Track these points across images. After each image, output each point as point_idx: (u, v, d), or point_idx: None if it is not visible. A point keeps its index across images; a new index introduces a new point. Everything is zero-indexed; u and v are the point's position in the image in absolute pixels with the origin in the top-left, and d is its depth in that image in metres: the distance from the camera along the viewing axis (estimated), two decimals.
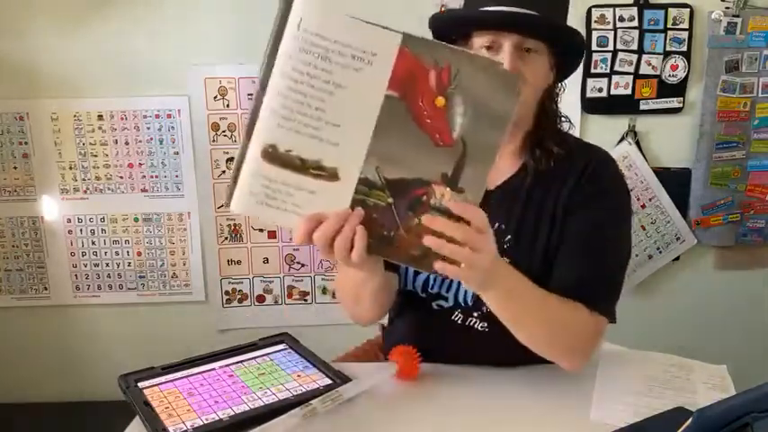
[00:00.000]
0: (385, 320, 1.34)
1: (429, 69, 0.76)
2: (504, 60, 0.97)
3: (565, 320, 0.99)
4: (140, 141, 2.03)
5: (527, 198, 1.07)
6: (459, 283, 1.08)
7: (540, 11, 0.99)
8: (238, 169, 0.77)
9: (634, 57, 1.98)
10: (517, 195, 1.07)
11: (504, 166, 1.09)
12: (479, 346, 1.10)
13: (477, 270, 0.82)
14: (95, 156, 2.04)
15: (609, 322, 1.05)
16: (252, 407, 0.94)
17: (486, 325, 1.09)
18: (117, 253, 2.11)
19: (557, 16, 1.05)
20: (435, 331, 1.12)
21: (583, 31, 1.96)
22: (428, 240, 0.79)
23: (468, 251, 0.80)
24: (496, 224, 1.05)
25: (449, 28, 1.06)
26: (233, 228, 2.09)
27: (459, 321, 1.11)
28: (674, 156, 2.07)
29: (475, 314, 1.09)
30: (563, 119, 1.14)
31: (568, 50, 1.07)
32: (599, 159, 1.10)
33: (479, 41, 1.01)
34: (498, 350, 1.04)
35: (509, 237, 1.06)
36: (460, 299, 1.10)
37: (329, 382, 1.01)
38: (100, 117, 2.02)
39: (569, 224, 1.05)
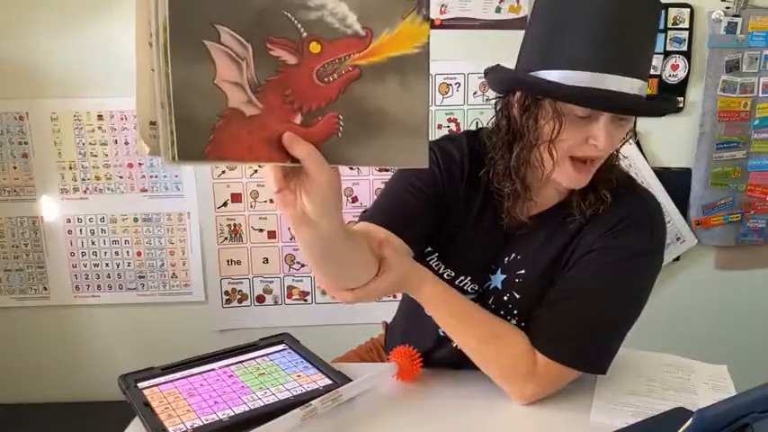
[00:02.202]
0: (388, 318, 1.35)
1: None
2: (601, 134, 0.88)
3: (499, 356, 0.96)
4: None
5: (547, 237, 1.00)
6: (461, 282, 1.05)
7: (641, 76, 0.88)
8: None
9: None
10: (547, 232, 1.00)
11: (544, 199, 1.01)
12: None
13: (393, 273, 0.88)
14: (95, 156, 2.04)
15: (591, 373, 0.99)
16: (252, 407, 0.94)
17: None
18: (117, 253, 2.11)
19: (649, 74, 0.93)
20: (437, 350, 1.10)
21: None
22: None
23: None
24: (513, 255, 1.01)
25: (536, 92, 0.91)
26: (233, 228, 2.09)
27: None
28: (675, 156, 2.07)
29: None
30: (622, 157, 1.03)
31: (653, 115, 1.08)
32: (636, 215, 0.98)
33: (572, 107, 0.88)
34: None
35: (522, 271, 1.01)
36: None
37: (329, 382, 1.01)
38: (100, 117, 2.02)
39: (576, 267, 0.98)
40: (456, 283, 1.03)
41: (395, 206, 1.00)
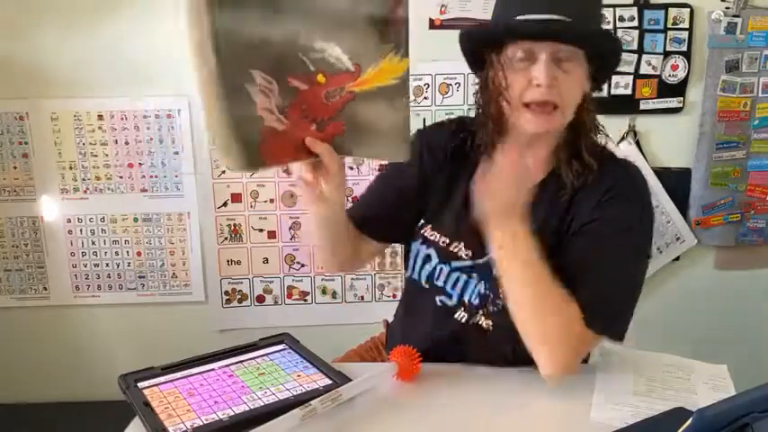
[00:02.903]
0: (390, 317, 1.35)
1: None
2: (540, 72, 0.95)
3: (553, 311, 0.96)
4: (140, 141, 2.03)
5: (546, 211, 1.04)
6: (465, 284, 1.09)
7: (572, 16, 0.95)
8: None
9: (634, 57, 1.98)
10: (541, 201, 1.04)
11: (533, 172, 1.05)
12: (480, 341, 1.09)
13: (506, 193, 0.94)
14: (95, 156, 2.04)
15: (612, 339, 1.03)
16: (252, 407, 0.94)
17: (491, 323, 1.08)
18: (117, 253, 2.11)
19: (590, 21, 1.01)
20: (437, 327, 1.12)
21: None
22: None
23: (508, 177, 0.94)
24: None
25: (481, 42, 1.03)
26: (233, 228, 2.09)
27: (462, 320, 1.10)
28: (674, 156, 2.07)
29: (480, 312, 1.08)
30: (600, 129, 1.09)
31: (605, 55, 1.03)
32: (625, 181, 1.06)
33: (513, 51, 0.98)
34: (500, 346, 1.06)
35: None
36: (466, 298, 1.09)
37: (329, 382, 1.01)
38: (100, 117, 2.02)
39: (582, 237, 1.01)
40: (450, 249, 1.09)
41: (372, 205, 1.19)
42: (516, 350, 1.02)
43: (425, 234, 1.12)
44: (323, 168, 0.90)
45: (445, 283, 1.10)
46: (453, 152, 1.13)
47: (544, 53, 0.96)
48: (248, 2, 0.76)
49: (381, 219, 1.17)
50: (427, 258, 1.12)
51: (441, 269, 1.10)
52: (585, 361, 1.19)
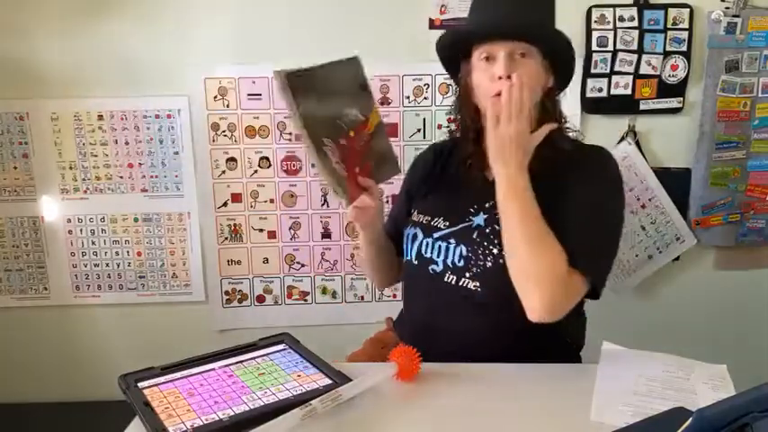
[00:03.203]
0: (394, 315, 1.40)
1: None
2: (499, 67, 1.11)
3: (546, 249, 1.06)
4: (140, 141, 2.03)
5: (535, 185, 1.13)
6: (447, 249, 1.20)
7: (525, 18, 1.12)
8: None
9: (634, 57, 1.98)
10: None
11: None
12: (472, 307, 1.17)
13: (508, 128, 1.07)
14: (95, 156, 2.04)
15: (590, 294, 1.14)
16: (252, 407, 0.94)
17: (478, 285, 1.16)
18: (117, 253, 2.11)
19: (542, 22, 1.16)
20: (432, 295, 1.22)
21: (583, 31, 1.97)
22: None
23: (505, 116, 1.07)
24: (494, 201, 1.15)
25: (451, 47, 1.21)
26: (233, 228, 2.09)
27: (452, 282, 1.19)
28: (674, 156, 2.07)
29: (467, 275, 1.17)
30: (565, 120, 1.23)
31: (557, 51, 1.16)
32: (598, 156, 1.21)
33: (477, 55, 1.15)
34: (491, 311, 1.15)
35: None
36: (449, 261, 1.19)
37: (329, 382, 1.01)
38: (100, 117, 2.02)
39: (561, 205, 1.12)
40: (431, 223, 1.24)
41: (393, 217, 1.44)
42: (504, 313, 1.11)
43: (412, 218, 1.28)
44: (367, 200, 1.15)
45: (431, 252, 1.22)
46: (441, 155, 1.35)
47: (502, 51, 1.11)
48: (308, 93, 1.07)
49: (394, 235, 1.37)
50: (414, 237, 1.25)
51: (426, 242, 1.23)
52: (579, 360, 1.27)
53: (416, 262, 1.24)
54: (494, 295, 1.14)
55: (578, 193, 1.13)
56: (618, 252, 1.17)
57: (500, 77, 1.10)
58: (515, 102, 1.07)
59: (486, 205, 1.18)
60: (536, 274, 1.05)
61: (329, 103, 1.12)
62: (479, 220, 1.19)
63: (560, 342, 1.22)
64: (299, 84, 1.05)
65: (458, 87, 1.25)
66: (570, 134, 1.23)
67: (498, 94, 1.10)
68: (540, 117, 1.16)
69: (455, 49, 1.20)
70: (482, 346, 1.15)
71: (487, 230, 1.17)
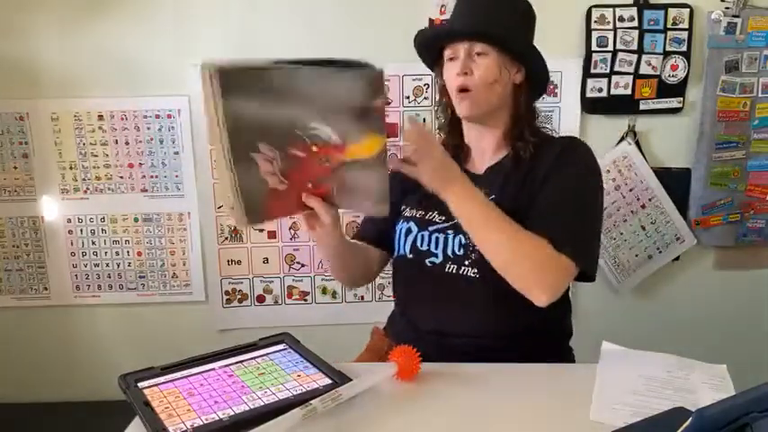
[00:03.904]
0: (380, 325, 1.39)
1: None
2: (457, 64, 1.21)
3: (527, 247, 1.10)
4: (140, 141, 2.03)
5: (508, 173, 1.23)
6: (445, 240, 1.22)
7: (485, 23, 1.21)
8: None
9: (634, 57, 1.98)
10: (504, 174, 1.24)
11: (491, 155, 1.28)
12: (474, 293, 1.20)
13: (427, 162, 1.07)
14: (95, 156, 2.04)
15: (585, 276, 1.18)
16: (252, 407, 0.94)
17: (476, 271, 1.19)
18: (117, 253, 2.11)
19: (498, 24, 1.23)
20: (432, 285, 1.24)
21: (582, 32, 1.97)
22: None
23: (417, 154, 1.06)
24: (483, 191, 1.19)
25: (425, 48, 1.30)
26: (233, 228, 2.09)
27: (453, 272, 1.21)
28: (674, 156, 2.07)
29: (466, 262, 1.20)
30: (538, 116, 1.30)
31: (515, 49, 1.22)
32: (571, 144, 1.26)
33: (446, 54, 1.25)
34: (491, 299, 1.17)
35: (493, 196, 1.20)
36: (449, 251, 1.22)
37: (329, 382, 1.01)
38: (100, 117, 2.02)
39: (542, 190, 1.18)
40: (426, 217, 1.26)
41: (376, 222, 1.37)
42: (504, 299, 1.13)
43: (404, 213, 1.31)
44: (318, 218, 1.09)
45: (429, 245, 1.24)
46: None
47: (462, 51, 1.21)
48: (251, 93, 0.93)
49: (381, 231, 1.36)
50: (408, 231, 1.28)
51: (422, 235, 1.25)
52: (572, 360, 1.30)
53: (411, 255, 1.26)
54: (493, 280, 1.14)
55: (554, 180, 1.18)
56: (602, 231, 1.24)
57: (457, 74, 1.20)
58: (417, 138, 1.10)
59: (489, 198, 1.21)
60: (528, 259, 1.10)
61: (284, 107, 0.96)
62: None
63: (553, 325, 1.28)
64: (233, 81, 0.92)
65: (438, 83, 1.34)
66: (544, 130, 1.29)
67: (460, 90, 1.20)
68: (513, 112, 1.26)
69: (430, 51, 1.30)
70: (486, 333, 1.20)
71: None
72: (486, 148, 1.28)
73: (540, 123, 1.29)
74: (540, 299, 1.11)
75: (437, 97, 1.37)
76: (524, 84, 1.25)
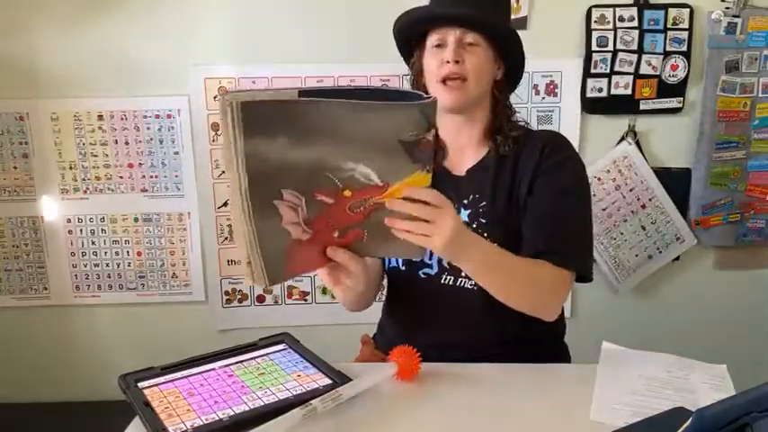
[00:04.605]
0: (370, 332, 1.38)
1: None
2: (449, 52, 1.16)
3: (533, 278, 1.11)
4: (140, 141, 2.03)
5: (495, 174, 1.21)
6: None
7: (479, 11, 1.16)
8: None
9: (634, 57, 1.98)
10: (487, 173, 1.22)
11: (471, 154, 1.25)
12: (472, 304, 1.18)
13: (442, 237, 0.93)
14: (95, 156, 2.04)
15: (582, 277, 1.18)
16: (252, 407, 0.94)
17: (474, 282, 1.15)
18: (117, 253, 2.11)
19: (494, 16, 1.20)
20: (427, 297, 1.22)
21: (582, 32, 1.97)
22: (392, 222, 0.91)
23: (430, 225, 0.92)
24: (471, 196, 1.21)
25: (408, 30, 1.24)
26: (233, 228, 2.09)
27: (449, 284, 1.20)
28: (674, 156, 2.07)
29: (463, 273, 1.18)
30: (514, 112, 1.28)
31: (507, 45, 1.20)
32: (554, 140, 1.24)
33: (430, 41, 1.20)
34: (489, 308, 1.14)
35: (484, 203, 1.20)
36: (445, 262, 1.19)
37: (329, 382, 1.01)
38: (100, 117, 2.02)
39: (534, 195, 1.18)
40: None
41: None
42: (502, 310, 1.11)
43: None
44: (343, 271, 1.00)
45: (423, 256, 1.18)
46: None
47: (452, 37, 1.16)
48: (276, 131, 0.80)
49: None
50: None
51: None
52: (567, 356, 1.33)
53: (405, 267, 1.24)
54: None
55: (547, 184, 1.18)
56: (593, 229, 1.25)
57: (447, 62, 1.16)
58: (431, 211, 0.93)
59: (465, 201, 1.21)
60: (534, 290, 1.12)
61: (314, 146, 0.83)
62: (464, 216, 1.20)
63: (550, 328, 1.26)
64: (258, 118, 0.79)
65: (412, 71, 1.28)
66: (520, 123, 1.28)
67: (443, 80, 1.16)
68: (492, 106, 1.24)
69: (412, 33, 1.23)
70: (484, 342, 1.18)
71: (474, 225, 1.19)
72: (464, 144, 1.25)
73: (515, 118, 1.28)
74: (551, 317, 1.15)
75: (411, 86, 1.28)
76: (503, 78, 1.25)
